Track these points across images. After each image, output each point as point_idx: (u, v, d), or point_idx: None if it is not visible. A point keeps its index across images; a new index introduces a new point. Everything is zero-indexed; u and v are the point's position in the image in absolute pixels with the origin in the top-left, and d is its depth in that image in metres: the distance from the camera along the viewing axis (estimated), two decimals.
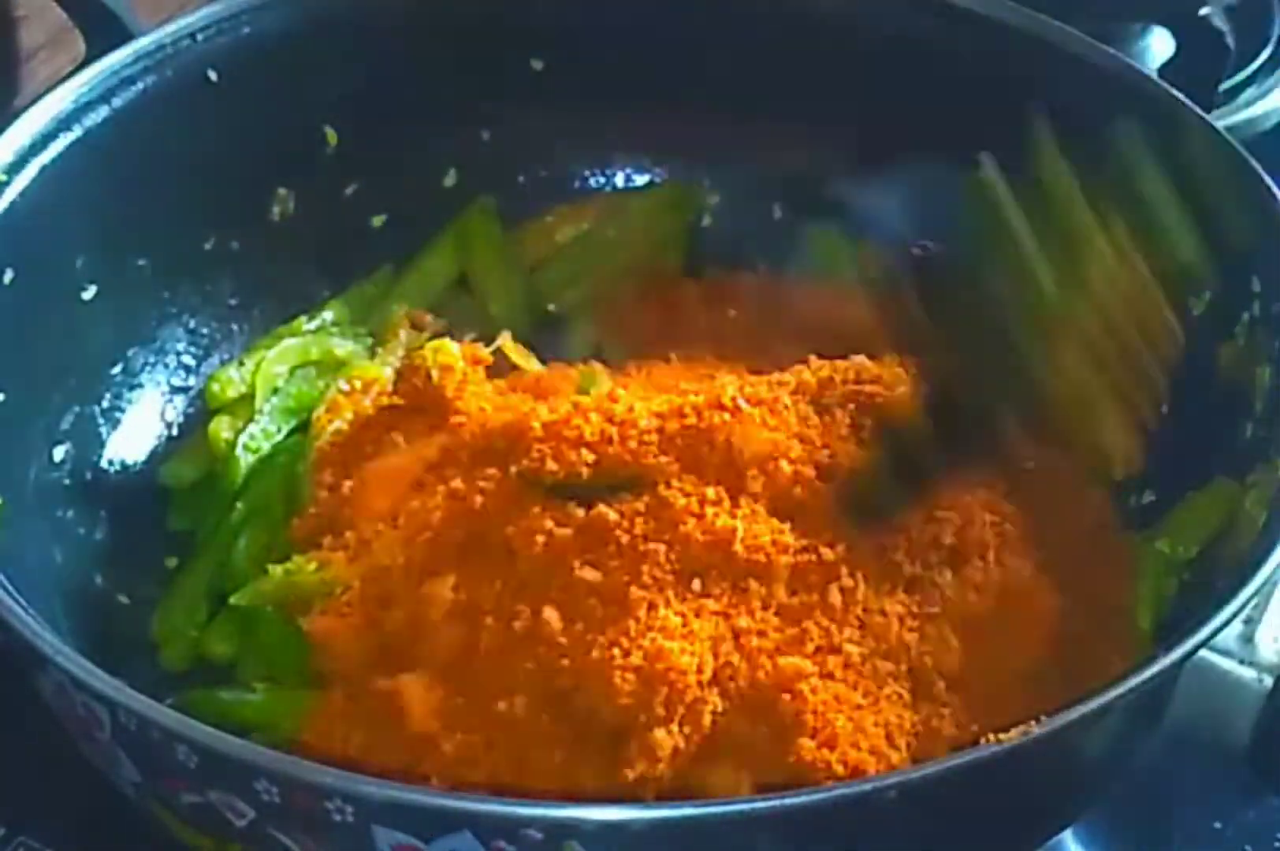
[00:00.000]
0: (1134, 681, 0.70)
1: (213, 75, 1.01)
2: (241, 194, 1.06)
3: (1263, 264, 0.91)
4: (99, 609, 0.91)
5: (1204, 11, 1.02)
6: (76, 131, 0.95)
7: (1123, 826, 0.94)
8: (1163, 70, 1.02)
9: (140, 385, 1.03)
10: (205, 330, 1.06)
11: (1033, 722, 0.69)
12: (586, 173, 1.16)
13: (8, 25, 1.15)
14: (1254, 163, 0.93)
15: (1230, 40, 1.01)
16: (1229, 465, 0.88)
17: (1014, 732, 0.69)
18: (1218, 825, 0.89)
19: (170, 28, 1.00)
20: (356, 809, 0.68)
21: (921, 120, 1.04)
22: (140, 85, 0.98)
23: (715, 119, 1.11)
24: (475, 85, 1.10)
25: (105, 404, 1.00)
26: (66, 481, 0.96)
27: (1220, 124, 0.97)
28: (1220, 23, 1.01)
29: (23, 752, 0.87)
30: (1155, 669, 0.70)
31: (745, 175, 1.14)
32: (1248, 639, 0.77)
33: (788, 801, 0.67)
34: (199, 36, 1.00)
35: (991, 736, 0.70)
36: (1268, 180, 0.92)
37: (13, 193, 0.92)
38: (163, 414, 1.04)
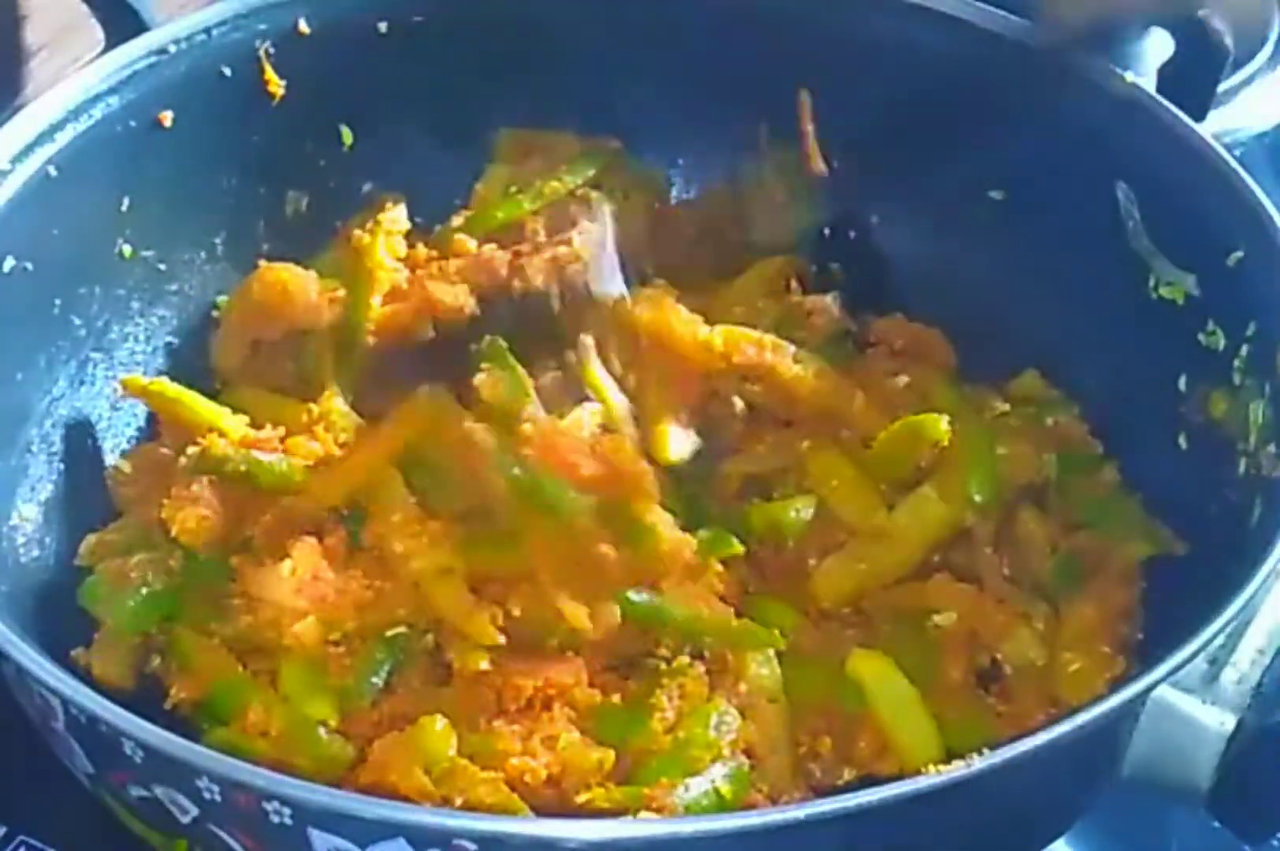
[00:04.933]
0: (1080, 719, 0.69)
1: (226, 71, 1.01)
2: (253, 189, 1.06)
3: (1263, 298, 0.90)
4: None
5: (1202, 12, 1.00)
6: (85, 122, 0.95)
7: (1120, 826, 0.94)
8: (1161, 71, 1.00)
9: None
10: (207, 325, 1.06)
11: (974, 755, 0.69)
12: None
13: (10, 25, 1.16)
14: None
15: (1229, 41, 0.99)
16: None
17: (955, 765, 0.69)
18: (1216, 825, 0.87)
19: (185, 22, 1.00)
20: (294, 811, 0.69)
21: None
22: (152, 79, 0.98)
23: None
24: (492, 85, 1.09)
25: (99, 401, 1.00)
26: (50, 486, 0.96)
27: (1219, 126, 0.95)
28: (1219, 23, 0.99)
29: (23, 753, 0.87)
30: (1098, 710, 0.69)
31: None
32: (1213, 679, 0.75)
33: (721, 824, 0.67)
34: (213, 32, 1.00)
35: (932, 767, 0.69)
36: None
37: (17, 181, 0.92)
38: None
